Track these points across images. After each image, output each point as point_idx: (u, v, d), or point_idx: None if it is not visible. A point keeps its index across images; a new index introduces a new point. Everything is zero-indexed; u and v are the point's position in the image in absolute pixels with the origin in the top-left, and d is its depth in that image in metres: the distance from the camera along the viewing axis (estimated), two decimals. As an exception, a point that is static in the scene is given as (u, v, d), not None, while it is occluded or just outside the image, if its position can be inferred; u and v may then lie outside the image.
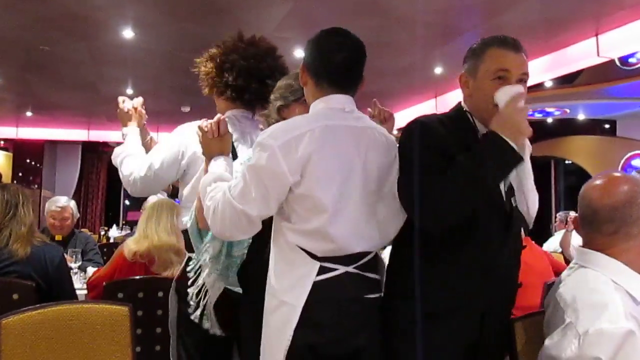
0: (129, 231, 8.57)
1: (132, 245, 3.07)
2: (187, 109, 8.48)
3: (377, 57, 5.94)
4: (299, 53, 6.00)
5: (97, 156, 12.35)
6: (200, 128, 1.80)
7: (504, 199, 1.59)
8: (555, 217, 6.56)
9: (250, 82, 2.11)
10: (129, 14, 4.88)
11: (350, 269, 1.53)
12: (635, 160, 7.97)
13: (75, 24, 5.07)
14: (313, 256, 1.50)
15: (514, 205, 1.63)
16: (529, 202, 1.67)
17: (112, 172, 12.41)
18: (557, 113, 8.31)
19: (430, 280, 1.53)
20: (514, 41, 1.58)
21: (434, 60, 5.74)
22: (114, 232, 9.11)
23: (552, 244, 5.75)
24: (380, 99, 2.11)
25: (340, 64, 1.61)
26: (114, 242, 6.94)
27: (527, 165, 1.62)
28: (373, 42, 5.44)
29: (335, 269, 1.50)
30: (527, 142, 1.54)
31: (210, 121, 1.80)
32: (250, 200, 1.47)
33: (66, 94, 7.80)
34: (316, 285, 1.48)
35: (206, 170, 1.76)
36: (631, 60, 6.66)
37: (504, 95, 1.49)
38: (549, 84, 6.74)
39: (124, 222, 11.54)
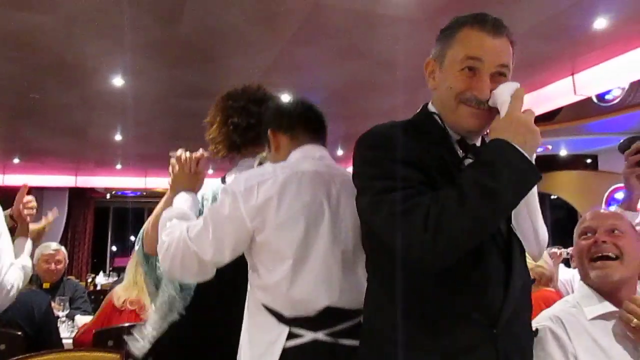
0: (116, 278, 8.47)
1: (121, 293, 3.06)
2: (174, 154, 8.51)
3: (361, 99, 6.10)
4: (285, 98, 6.11)
5: (84, 202, 12.28)
6: (177, 159, 1.77)
7: (502, 227, 1.25)
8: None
9: None
10: (118, 62, 4.98)
11: (320, 335, 1.38)
12: (617, 193, 8.09)
13: (65, 71, 5.16)
14: (281, 318, 1.39)
15: (515, 232, 1.28)
16: (538, 228, 1.30)
17: (99, 218, 12.34)
18: (539, 150, 8.45)
19: (418, 336, 1.18)
20: (494, 21, 1.23)
21: (418, 101, 5.84)
22: (101, 279, 9.00)
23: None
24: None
25: (310, 113, 1.64)
26: (102, 289, 6.86)
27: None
28: (357, 84, 5.64)
29: (302, 335, 1.38)
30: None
31: (189, 154, 1.77)
32: (206, 243, 1.42)
33: (55, 139, 7.83)
34: (285, 353, 1.35)
35: (169, 202, 1.73)
36: (607, 97, 6.88)
37: (504, 92, 1.17)
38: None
39: (110, 268, 11.40)
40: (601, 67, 5.27)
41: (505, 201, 1.08)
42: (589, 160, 9.38)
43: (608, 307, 1.50)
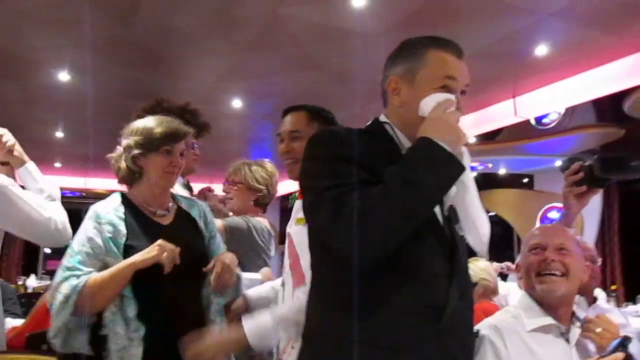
0: (49, 281, 8.13)
1: None
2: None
3: (314, 109, 6.15)
4: (237, 103, 6.12)
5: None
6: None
7: (442, 223, 1.29)
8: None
9: None
10: (67, 57, 4.84)
11: None
12: (551, 212, 8.49)
13: (8, 63, 4.96)
14: None
15: (459, 234, 1.33)
16: (479, 224, 1.32)
17: (34, 218, 11.77)
18: (480, 168, 8.80)
19: (363, 330, 1.19)
20: (456, 45, 1.32)
21: (371, 113, 5.98)
22: (33, 282, 8.62)
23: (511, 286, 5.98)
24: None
25: None
26: (34, 293, 6.58)
27: (471, 179, 1.31)
28: (311, 95, 5.70)
29: None
30: (467, 152, 1.27)
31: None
32: None
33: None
34: None
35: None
36: (545, 120, 7.26)
37: (430, 101, 1.25)
38: (473, 140, 7.19)
39: (43, 271, 10.93)
40: (540, 91, 5.58)
41: (426, 191, 1.14)
42: (525, 180, 9.80)
43: (547, 320, 1.57)
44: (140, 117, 2.02)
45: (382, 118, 1.36)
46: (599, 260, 2.33)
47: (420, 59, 1.30)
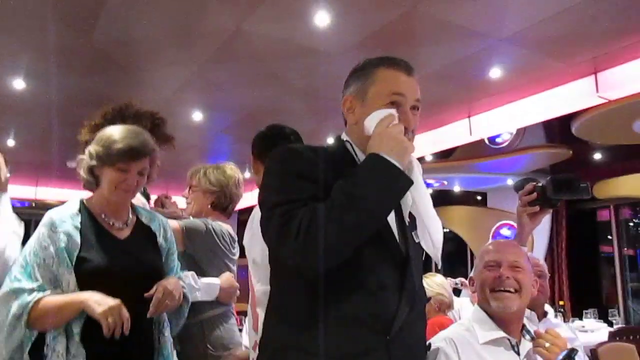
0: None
1: None
2: (73, 164, 8.07)
3: (272, 123, 6.18)
4: (198, 116, 6.09)
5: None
6: None
7: (397, 235, 1.31)
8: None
9: None
10: (22, 64, 4.72)
11: None
12: (503, 229, 8.74)
13: (-42, 69, 4.81)
14: None
15: (416, 240, 1.35)
16: (431, 231, 1.35)
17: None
18: (436, 184, 8.99)
19: (312, 340, 1.22)
20: (405, 63, 1.37)
21: (328, 129, 6.08)
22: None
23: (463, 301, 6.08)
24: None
25: None
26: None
27: (422, 188, 1.34)
28: (270, 109, 5.74)
29: None
30: (417, 163, 1.32)
31: None
32: None
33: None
34: None
35: None
36: (498, 140, 7.50)
37: (373, 119, 1.29)
38: (429, 157, 7.36)
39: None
40: (494, 112, 5.78)
41: (370, 205, 1.17)
42: (479, 197, 10.07)
43: (499, 333, 1.64)
44: (107, 117, 2.02)
45: (344, 136, 1.42)
46: (548, 275, 2.43)
47: (370, 77, 1.36)
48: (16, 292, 1.60)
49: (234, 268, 2.42)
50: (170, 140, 2.22)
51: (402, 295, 1.26)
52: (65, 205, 1.79)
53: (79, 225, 1.71)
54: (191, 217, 2.46)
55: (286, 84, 5.04)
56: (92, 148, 1.75)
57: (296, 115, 5.93)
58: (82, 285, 1.62)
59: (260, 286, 1.79)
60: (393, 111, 1.30)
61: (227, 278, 2.29)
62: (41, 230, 1.68)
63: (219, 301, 2.25)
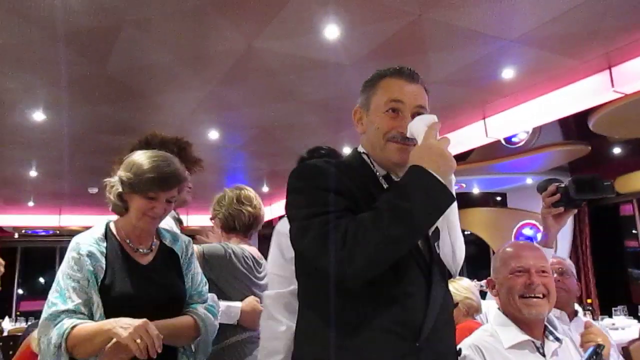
0: (24, 323, 7.93)
1: None
2: (94, 190, 8.24)
3: (287, 138, 6.25)
4: (214, 135, 6.16)
5: (-9, 243, 11.45)
6: None
7: (421, 244, 1.34)
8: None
9: None
10: (40, 97, 4.83)
11: None
12: (525, 229, 8.66)
13: (-19, 105, 4.93)
14: None
15: (437, 251, 1.38)
16: (456, 246, 1.40)
17: (4, 259, 11.48)
18: (455, 187, 8.96)
19: (343, 352, 1.24)
20: (409, 71, 1.41)
21: (343, 140, 6.11)
22: (7, 324, 8.38)
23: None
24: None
25: None
26: (10, 336, 6.40)
27: (454, 205, 1.35)
28: (285, 124, 5.79)
29: None
30: (453, 179, 1.32)
31: None
32: None
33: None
34: None
35: None
36: (514, 139, 7.46)
37: (420, 123, 1.29)
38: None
39: (17, 313, 10.62)
40: (509, 112, 5.75)
41: (417, 220, 1.17)
42: (498, 198, 10.00)
43: (523, 336, 1.65)
44: (135, 150, 1.99)
45: (360, 148, 1.45)
46: (573, 273, 2.41)
47: (374, 88, 1.41)
48: (54, 317, 1.61)
49: (261, 292, 2.29)
50: (198, 162, 2.25)
51: (429, 302, 1.29)
52: (92, 229, 1.80)
53: (104, 251, 1.73)
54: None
55: (299, 98, 5.08)
56: (122, 174, 1.75)
57: (310, 129, 5.98)
58: (107, 310, 1.63)
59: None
60: (436, 118, 1.30)
61: (249, 302, 2.25)
62: (70, 255, 1.70)
63: (243, 326, 2.21)
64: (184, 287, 1.84)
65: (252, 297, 2.27)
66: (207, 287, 1.95)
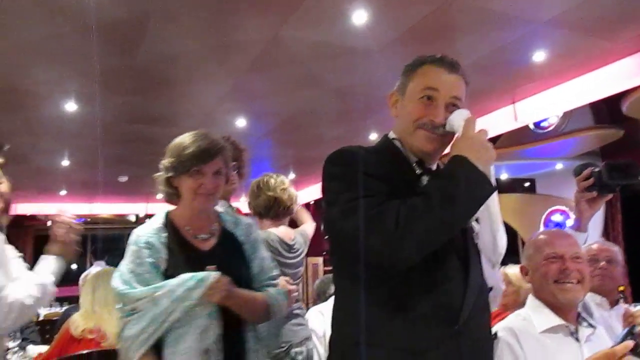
0: (59, 308, 8.15)
1: (79, 321, 2.99)
2: (124, 179, 8.38)
3: (314, 126, 6.24)
4: (241, 123, 6.20)
5: (23, 230, 11.75)
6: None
7: (460, 238, 1.37)
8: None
9: None
10: (72, 88, 4.91)
11: None
12: (554, 215, 8.52)
13: (13, 97, 5.03)
14: None
15: (475, 241, 1.41)
16: (497, 237, 1.40)
17: (38, 246, 11.81)
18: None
19: (383, 336, 1.28)
20: (451, 60, 1.41)
21: (369, 127, 6.08)
22: (43, 309, 8.62)
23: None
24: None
25: None
26: (46, 320, 6.59)
27: (495, 195, 1.37)
28: (310, 111, 5.79)
29: None
30: (493, 170, 1.33)
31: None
32: None
33: (-6, 166, 7.53)
34: None
35: None
36: (543, 124, 7.32)
37: (459, 117, 1.33)
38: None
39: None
40: (539, 96, 5.65)
41: (462, 207, 1.22)
42: (527, 184, 9.85)
43: (557, 320, 1.67)
44: None
45: (391, 134, 1.47)
46: (620, 261, 2.39)
47: (412, 73, 1.42)
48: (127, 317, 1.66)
49: (293, 270, 2.50)
50: (243, 151, 2.32)
51: (467, 286, 1.32)
52: (151, 220, 1.82)
53: (165, 241, 1.74)
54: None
55: (325, 85, 5.06)
56: (165, 161, 1.78)
57: (337, 116, 5.96)
58: None
59: None
60: (468, 112, 1.35)
61: (279, 282, 2.35)
62: (131, 248, 1.72)
63: None
64: (249, 272, 1.83)
65: (283, 277, 2.34)
66: (278, 271, 1.97)
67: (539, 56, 4.64)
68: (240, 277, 1.77)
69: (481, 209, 1.32)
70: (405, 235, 1.17)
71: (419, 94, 1.38)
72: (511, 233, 9.44)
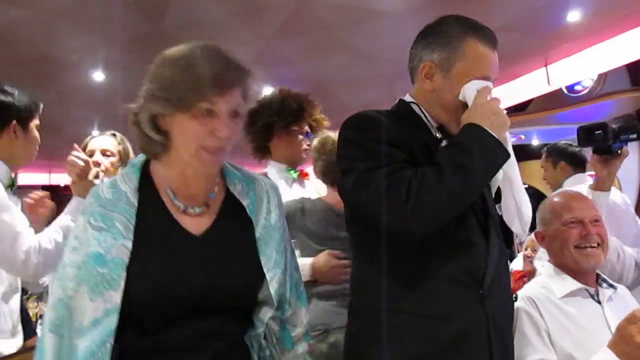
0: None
1: None
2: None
3: (343, 92, 6.18)
4: (268, 90, 6.16)
5: (57, 200, 12.04)
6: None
7: (479, 204, 1.34)
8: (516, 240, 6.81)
9: None
10: (100, 57, 4.95)
11: None
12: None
13: (44, 66, 5.09)
14: None
15: (499, 213, 1.38)
16: (521, 205, 1.34)
17: (74, 214, 12.12)
18: (513, 139, 8.70)
19: (409, 301, 1.26)
20: (493, 36, 1.35)
21: (397, 94, 5.96)
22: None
23: (516, 265, 5.99)
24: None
25: None
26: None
27: (514, 163, 1.32)
28: (339, 79, 5.73)
29: None
30: (509, 137, 1.30)
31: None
32: None
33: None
34: None
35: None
36: (577, 87, 7.12)
37: (471, 88, 1.29)
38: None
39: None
40: (573, 58, 5.48)
41: (476, 175, 1.20)
42: (559, 150, 9.65)
43: (576, 284, 1.65)
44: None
45: (408, 98, 1.40)
46: None
47: (457, 50, 1.32)
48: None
49: (340, 246, 1.99)
50: (316, 106, 2.30)
51: (489, 250, 1.31)
52: (117, 178, 1.15)
53: (132, 214, 1.09)
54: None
55: (354, 50, 5.00)
56: (151, 86, 1.12)
57: (365, 82, 5.89)
58: (124, 310, 1.05)
59: None
60: (490, 84, 1.31)
61: (321, 257, 2.00)
62: (80, 221, 1.13)
63: (320, 282, 1.99)
64: (258, 268, 1.16)
65: (327, 251, 2.02)
66: (300, 274, 1.36)
67: (574, 15, 4.48)
68: (241, 280, 1.15)
69: (502, 178, 1.32)
70: (417, 209, 1.15)
71: (471, 79, 1.31)
72: (542, 199, 9.30)
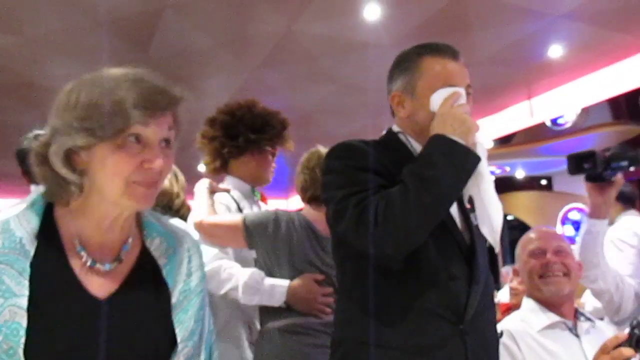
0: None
1: None
2: (203, 169, 8.43)
3: (328, 122, 6.22)
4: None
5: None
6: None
7: (458, 222, 1.30)
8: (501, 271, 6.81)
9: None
10: (85, 83, 4.94)
11: None
12: (572, 212, 8.41)
13: (29, 92, 5.08)
14: None
15: (474, 222, 1.31)
16: (491, 213, 1.26)
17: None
18: (498, 171, 8.78)
19: (386, 334, 1.22)
20: (449, 48, 1.32)
21: (383, 124, 6.00)
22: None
23: (503, 296, 5.96)
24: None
25: None
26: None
27: (485, 167, 1.26)
28: (325, 108, 5.77)
29: None
30: (481, 142, 1.26)
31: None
32: None
33: (10, 161, 7.60)
34: None
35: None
36: (560, 121, 7.23)
37: (438, 97, 1.27)
38: (490, 144, 7.19)
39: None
40: (556, 92, 5.57)
41: (444, 185, 1.17)
42: (544, 182, 9.75)
43: (553, 317, 1.65)
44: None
45: (395, 128, 1.40)
46: None
47: (415, 70, 1.31)
48: None
49: (325, 268, 1.83)
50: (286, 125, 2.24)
51: (472, 284, 1.27)
52: (15, 211, 0.93)
53: (27, 268, 0.89)
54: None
55: (339, 81, 5.04)
56: (64, 115, 0.90)
57: (350, 112, 5.94)
58: None
59: None
60: (459, 89, 1.27)
61: (302, 280, 1.82)
62: None
63: (293, 309, 1.80)
64: (172, 342, 0.98)
65: (308, 275, 1.84)
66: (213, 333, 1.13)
67: (556, 50, 4.57)
68: (147, 358, 0.97)
69: (472, 186, 1.25)
70: (388, 231, 1.13)
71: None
72: (526, 230, 9.32)
